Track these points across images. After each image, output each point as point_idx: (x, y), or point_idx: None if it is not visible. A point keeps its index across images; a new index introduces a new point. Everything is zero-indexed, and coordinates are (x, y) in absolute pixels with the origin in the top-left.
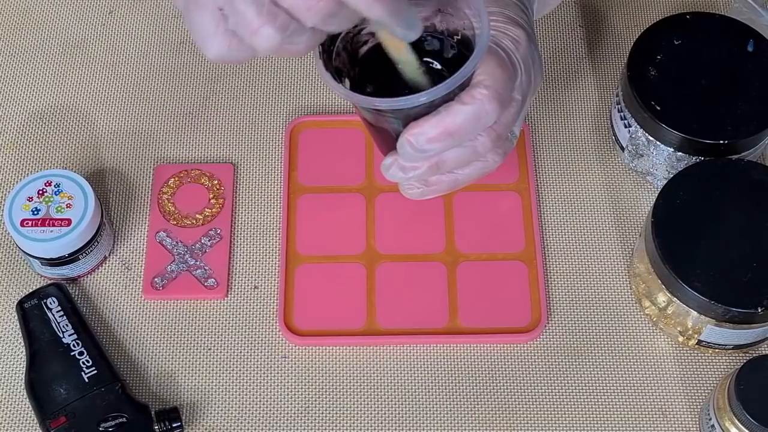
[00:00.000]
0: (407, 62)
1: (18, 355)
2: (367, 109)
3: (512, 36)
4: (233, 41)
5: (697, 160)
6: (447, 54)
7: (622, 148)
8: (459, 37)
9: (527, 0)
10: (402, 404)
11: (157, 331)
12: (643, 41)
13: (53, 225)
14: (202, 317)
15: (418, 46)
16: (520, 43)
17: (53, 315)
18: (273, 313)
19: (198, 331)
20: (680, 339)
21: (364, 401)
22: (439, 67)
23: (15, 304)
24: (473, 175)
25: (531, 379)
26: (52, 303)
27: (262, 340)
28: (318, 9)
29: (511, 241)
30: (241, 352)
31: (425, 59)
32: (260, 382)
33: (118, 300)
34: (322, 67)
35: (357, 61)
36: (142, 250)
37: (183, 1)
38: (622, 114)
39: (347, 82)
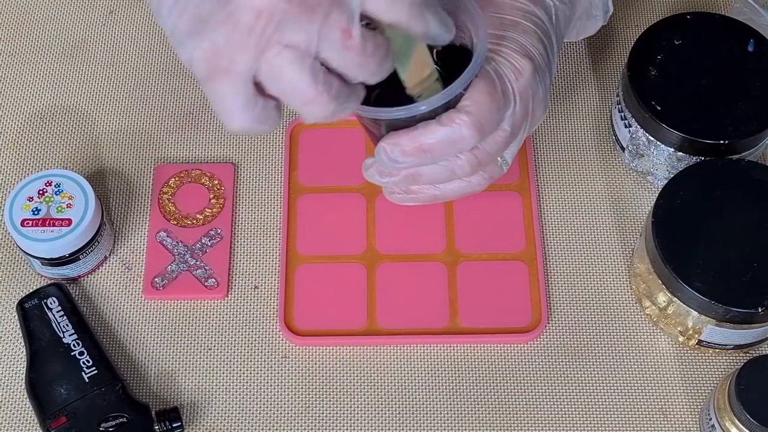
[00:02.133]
0: (432, 73)
1: (18, 355)
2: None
3: (515, 65)
4: (263, 114)
5: (698, 160)
6: (447, 66)
7: (623, 148)
8: (463, 52)
9: (553, 30)
10: (402, 404)
11: (158, 331)
12: (644, 41)
13: (53, 225)
14: (203, 317)
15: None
16: (522, 75)
17: (53, 315)
18: (273, 313)
19: (198, 331)
20: (680, 339)
21: (364, 401)
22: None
23: (15, 304)
24: (456, 193)
25: (531, 379)
26: (53, 303)
27: (262, 340)
28: (372, 61)
29: (511, 241)
30: (241, 352)
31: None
32: (260, 382)
33: (118, 300)
34: None
35: None
36: (143, 250)
37: (203, 64)
38: (622, 114)
39: None
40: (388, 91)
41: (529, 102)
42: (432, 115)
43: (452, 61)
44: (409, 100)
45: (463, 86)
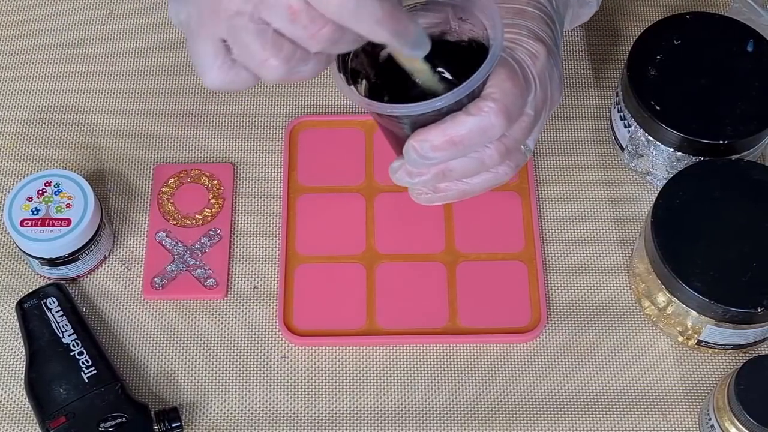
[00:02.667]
0: (421, 71)
1: (18, 355)
2: (379, 113)
3: (530, 50)
4: (232, 72)
5: (697, 160)
6: (460, 61)
7: (622, 148)
8: (475, 45)
9: (556, 15)
10: (402, 404)
11: (157, 331)
12: (643, 41)
13: (53, 225)
14: (202, 317)
15: (432, 53)
16: (538, 58)
17: (53, 315)
18: (273, 313)
19: (198, 331)
20: (680, 339)
21: (363, 401)
22: (449, 77)
23: (15, 304)
24: (483, 186)
25: (531, 379)
26: (52, 303)
27: (262, 340)
28: (321, 36)
29: (511, 241)
30: (241, 352)
31: (438, 69)
32: (260, 382)
33: (117, 300)
34: (335, 69)
35: (376, 63)
36: (142, 250)
37: (186, 27)
38: (621, 114)
39: (364, 83)
40: (403, 91)
41: (547, 85)
42: (459, 107)
43: (464, 54)
44: (424, 97)
45: (486, 74)
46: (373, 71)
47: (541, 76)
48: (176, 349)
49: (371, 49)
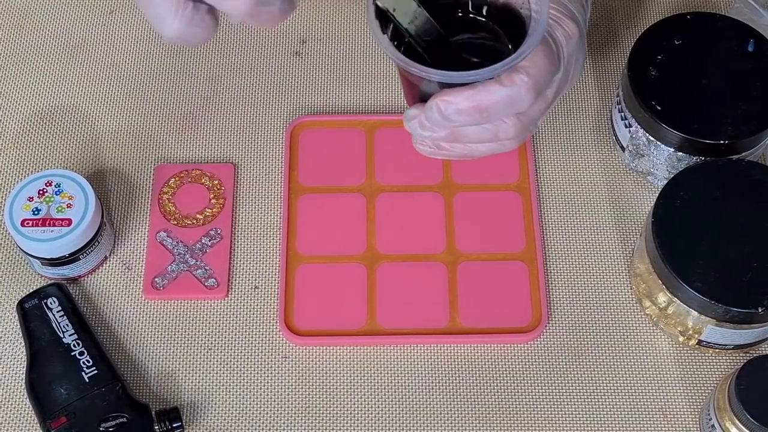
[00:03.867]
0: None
1: (18, 355)
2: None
3: (566, 30)
4: (195, 18)
5: (698, 160)
6: (491, 27)
7: (623, 148)
8: (515, 13)
9: None
10: (402, 404)
11: (158, 331)
12: (644, 41)
13: (54, 225)
14: (203, 317)
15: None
16: (572, 39)
17: (53, 315)
18: (273, 313)
19: (198, 331)
20: (680, 339)
21: (364, 401)
22: (492, 44)
23: (15, 304)
24: (486, 152)
25: (531, 379)
26: (53, 303)
27: (262, 340)
28: None
29: (511, 241)
30: (241, 352)
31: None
32: (260, 382)
33: (118, 300)
34: (371, 15)
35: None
36: (143, 250)
37: None
38: (622, 114)
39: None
40: (432, 47)
41: (572, 67)
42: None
43: (501, 20)
44: (459, 57)
45: (528, 52)
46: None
47: (570, 58)
48: (177, 349)
49: None
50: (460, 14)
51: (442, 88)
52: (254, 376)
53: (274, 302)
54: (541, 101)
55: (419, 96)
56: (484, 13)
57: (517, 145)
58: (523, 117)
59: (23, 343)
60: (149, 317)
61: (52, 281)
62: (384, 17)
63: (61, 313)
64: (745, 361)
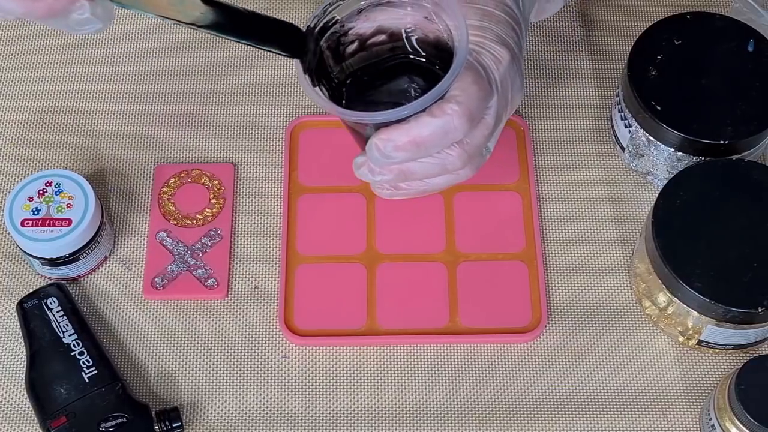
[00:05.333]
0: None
1: (18, 355)
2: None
3: (495, 55)
4: None
5: (698, 160)
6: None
7: (623, 148)
8: (446, 48)
9: (521, 18)
10: (402, 404)
11: (157, 331)
12: (643, 41)
13: (53, 225)
14: (202, 317)
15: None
16: (501, 63)
17: (53, 315)
18: (273, 313)
19: (198, 331)
20: (680, 339)
21: (363, 401)
22: (424, 61)
23: (15, 304)
24: (443, 185)
25: (531, 379)
26: (53, 303)
27: (262, 340)
28: None
29: (511, 241)
30: (241, 352)
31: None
32: (260, 382)
33: (118, 300)
34: (300, 71)
35: (341, 60)
36: (143, 250)
37: None
38: (622, 114)
39: (340, 74)
40: (369, 85)
41: (509, 89)
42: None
43: (431, 53)
44: (389, 97)
45: (452, 79)
46: (337, 68)
47: (504, 82)
48: (177, 349)
49: (335, 47)
50: (400, 57)
51: (376, 129)
52: (254, 376)
53: (273, 302)
54: (482, 127)
55: (363, 142)
56: (421, 53)
57: (472, 173)
58: (467, 146)
59: (23, 343)
60: (149, 317)
61: (52, 281)
62: (314, 71)
63: (61, 313)
64: (745, 361)
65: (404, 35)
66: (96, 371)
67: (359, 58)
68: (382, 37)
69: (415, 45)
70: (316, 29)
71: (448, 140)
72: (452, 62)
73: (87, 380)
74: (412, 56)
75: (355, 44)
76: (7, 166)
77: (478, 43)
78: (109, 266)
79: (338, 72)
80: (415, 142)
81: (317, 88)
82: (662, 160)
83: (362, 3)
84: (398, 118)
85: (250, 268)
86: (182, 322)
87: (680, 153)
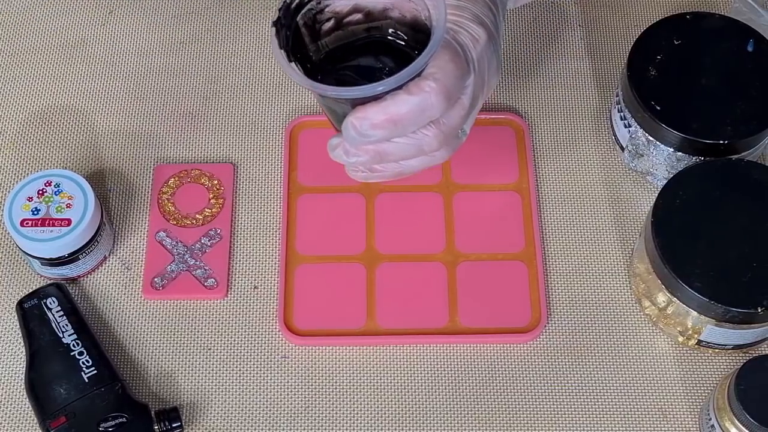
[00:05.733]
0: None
1: (18, 355)
2: (318, 93)
3: (472, 34)
4: None
5: (697, 160)
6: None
7: (622, 148)
8: (423, 28)
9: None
10: (402, 404)
11: (157, 331)
12: (643, 41)
13: (53, 225)
14: (202, 317)
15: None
16: (479, 42)
17: (53, 315)
18: (273, 313)
19: (198, 331)
20: (680, 339)
21: (364, 401)
22: (402, 43)
23: (15, 304)
24: (419, 167)
25: (531, 379)
26: (52, 303)
27: (262, 340)
28: None
29: (511, 241)
30: (241, 352)
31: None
32: (260, 382)
33: (118, 300)
34: (275, 46)
35: (317, 38)
36: (142, 250)
37: None
38: (622, 114)
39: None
40: (342, 65)
41: (485, 70)
42: (400, 85)
43: (408, 34)
44: (366, 74)
45: (429, 57)
46: (313, 47)
47: (481, 61)
48: (176, 349)
49: (311, 24)
50: (376, 37)
51: (354, 107)
52: (253, 376)
53: (273, 302)
54: (458, 108)
55: (338, 123)
56: (399, 33)
57: (447, 155)
58: (443, 126)
59: (23, 343)
60: (149, 317)
61: (52, 281)
62: (289, 48)
63: (61, 313)
64: (745, 361)
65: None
66: (95, 371)
67: (335, 37)
68: (358, 16)
69: (393, 25)
70: (293, 5)
71: (424, 118)
72: (429, 41)
73: (86, 380)
74: (389, 37)
75: (332, 22)
76: (7, 166)
77: (455, 21)
78: (108, 266)
79: (314, 51)
80: (392, 119)
81: (293, 64)
82: (662, 160)
83: None
84: (374, 94)
85: (249, 268)
86: (182, 322)
87: (680, 153)
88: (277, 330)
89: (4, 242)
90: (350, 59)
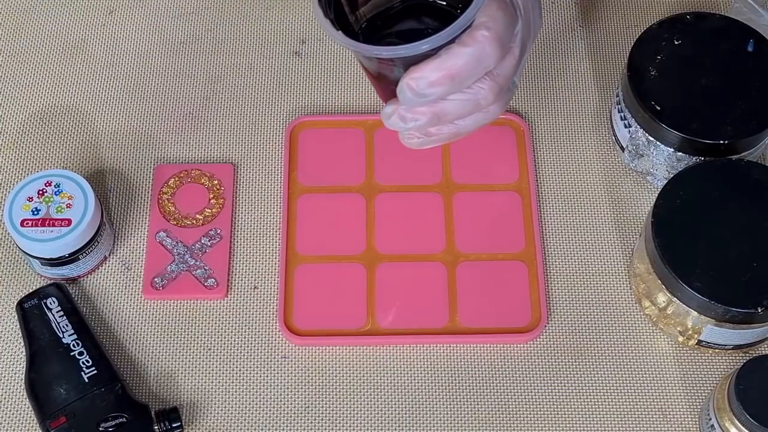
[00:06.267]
0: None
1: (18, 355)
2: (367, 57)
3: None
4: None
5: (697, 160)
6: None
7: (622, 148)
8: None
9: None
10: (402, 404)
11: (157, 331)
12: (643, 41)
13: (53, 225)
14: (202, 317)
15: None
16: None
17: (53, 315)
18: (273, 313)
19: (198, 331)
20: (680, 339)
21: (364, 401)
22: (444, 3)
23: (15, 304)
24: (474, 126)
25: (531, 379)
26: (52, 303)
27: (262, 340)
28: None
29: (511, 241)
30: (241, 352)
31: None
32: (260, 382)
33: (118, 300)
34: (320, 13)
35: (356, 8)
36: (142, 250)
37: None
38: (622, 114)
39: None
40: (386, 37)
41: (530, 16)
42: (452, 40)
43: None
44: (413, 35)
45: (479, 6)
46: (353, 17)
47: (526, 7)
48: (176, 349)
49: None
50: (413, 0)
51: (406, 70)
52: (254, 376)
53: (273, 302)
54: (510, 57)
55: (389, 91)
56: None
57: (501, 110)
58: (497, 77)
59: (23, 343)
60: (149, 317)
61: (52, 281)
62: (333, 17)
63: (61, 313)
64: (745, 361)
65: None
66: (95, 371)
67: (372, 5)
68: None
69: None
70: None
71: (481, 69)
72: None
73: (86, 380)
74: None
75: None
76: (7, 166)
77: None
78: (108, 266)
79: (354, 22)
80: (450, 74)
81: (340, 32)
82: (662, 160)
83: None
84: (431, 49)
85: (249, 268)
86: (182, 322)
87: (680, 153)
88: (277, 330)
89: (4, 242)
90: (391, 25)
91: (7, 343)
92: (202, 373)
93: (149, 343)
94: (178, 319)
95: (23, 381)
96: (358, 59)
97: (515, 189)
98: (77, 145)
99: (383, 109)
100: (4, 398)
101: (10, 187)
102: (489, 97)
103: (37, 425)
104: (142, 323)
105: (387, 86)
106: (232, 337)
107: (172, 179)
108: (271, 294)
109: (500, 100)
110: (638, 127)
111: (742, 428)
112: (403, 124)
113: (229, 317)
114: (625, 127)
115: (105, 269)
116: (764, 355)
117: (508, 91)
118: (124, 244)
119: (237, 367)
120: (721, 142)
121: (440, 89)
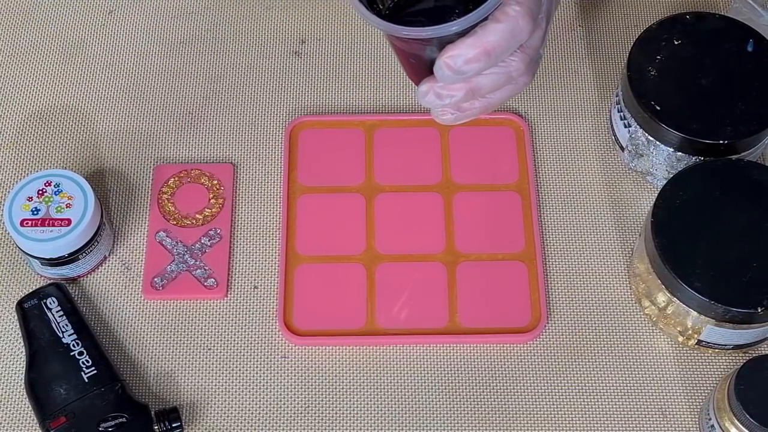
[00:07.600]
0: None
1: (18, 355)
2: (401, 39)
3: None
4: None
5: (697, 160)
6: None
7: (622, 148)
8: None
9: None
10: (402, 404)
11: (157, 331)
12: (643, 41)
13: (53, 225)
14: (202, 317)
15: None
16: None
17: (53, 315)
18: (273, 313)
19: (198, 331)
20: (680, 339)
21: (364, 401)
22: None
23: (15, 304)
24: (504, 98)
25: (531, 379)
26: (52, 303)
27: (262, 340)
28: None
29: (511, 241)
30: (241, 352)
31: None
32: (260, 382)
33: (118, 300)
34: (362, 7)
35: None
36: (142, 250)
37: None
38: (622, 114)
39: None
40: (417, 17)
41: None
42: (485, 17)
43: None
44: (441, 14)
45: None
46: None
47: None
48: (176, 349)
49: None
50: None
51: (440, 49)
52: (253, 376)
53: (273, 302)
54: (538, 29)
55: (422, 70)
56: None
57: (529, 80)
58: (527, 49)
59: (23, 343)
60: (149, 317)
61: (52, 281)
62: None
63: (61, 313)
64: (745, 361)
65: None
66: (95, 371)
67: None
68: None
69: None
70: None
71: (515, 43)
72: None
73: (86, 380)
74: None
75: None
76: (7, 166)
77: None
78: (108, 266)
79: (381, 4)
80: (486, 50)
81: (375, 16)
82: (662, 160)
83: None
84: (470, 25)
85: (249, 268)
86: (182, 322)
87: (680, 153)
88: (277, 330)
89: (4, 242)
90: (416, 4)
91: (7, 343)
92: (202, 373)
93: (149, 343)
94: (178, 319)
95: (23, 381)
96: (390, 41)
97: (515, 189)
98: (77, 144)
99: (418, 87)
100: (4, 398)
101: (9, 187)
102: (521, 68)
103: (37, 425)
104: (142, 323)
105: (420, 66)
106: (232, 337)
107: (172, 179)
108: (271, 294)
109: (530, 71)
110: (638, 127)
111: (742, 428)
112: (440, 101)
113: (229, 317)
114: (625, 127)
115: (105, 269)
116: (764, 355)
117: (536, 62)
118: (123, 244)
119: (237, 367)
120: (721, 142)
121: (477, 65)
